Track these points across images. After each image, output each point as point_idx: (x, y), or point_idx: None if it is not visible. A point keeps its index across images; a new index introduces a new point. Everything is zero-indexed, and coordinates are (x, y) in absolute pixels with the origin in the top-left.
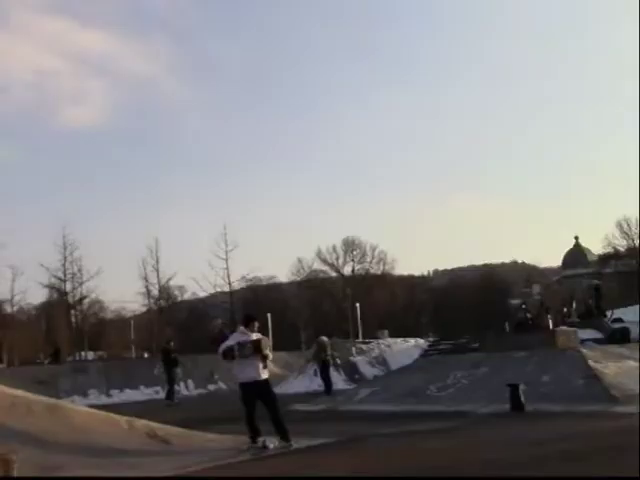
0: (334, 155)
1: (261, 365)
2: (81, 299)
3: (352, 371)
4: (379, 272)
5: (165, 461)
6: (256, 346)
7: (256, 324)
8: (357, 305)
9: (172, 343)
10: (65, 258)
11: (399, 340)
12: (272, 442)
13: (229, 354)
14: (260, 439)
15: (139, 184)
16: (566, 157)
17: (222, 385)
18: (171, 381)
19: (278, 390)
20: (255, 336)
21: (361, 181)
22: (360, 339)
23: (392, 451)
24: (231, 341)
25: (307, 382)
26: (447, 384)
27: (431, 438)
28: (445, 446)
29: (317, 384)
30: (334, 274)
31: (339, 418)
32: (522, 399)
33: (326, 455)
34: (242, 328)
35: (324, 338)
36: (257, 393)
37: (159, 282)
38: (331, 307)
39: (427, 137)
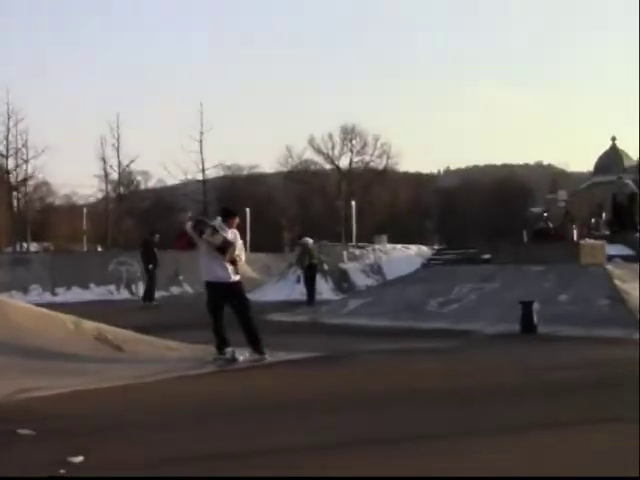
0: (334, 18)
1: (231, 266)
2: (25, 180)
3: (341, 279)
4: (380, 167)
5: (115, 369)
6: (222, 248)
7: (236, 221)
8: (353, 203)
9: (157, 236)
10: (8, 130)
11: (399, 247)
12: (242, 354)
13: (200, 228)
14: (228, 349)
15: (102, 50)
16: (606, 43)
17: (187, 288)
18: (151, 279)
19: (253, 297)
20: (231, 234)
21: (365, 54)
22: (354, 243)
23: (381, 370)
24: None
25: (288, 290)
26: (451, 299)
27: (428, 358)
28: (443, 368)
29: (299, 292)
30: (328, 166)
31: (323, 332)
32: (535, 319)
33: (303, 371)
34: (219, 220)
35: (309, 240)
36: (226, 296)
37: (119, 165)
38: (322, 205)
39: (448, 10)
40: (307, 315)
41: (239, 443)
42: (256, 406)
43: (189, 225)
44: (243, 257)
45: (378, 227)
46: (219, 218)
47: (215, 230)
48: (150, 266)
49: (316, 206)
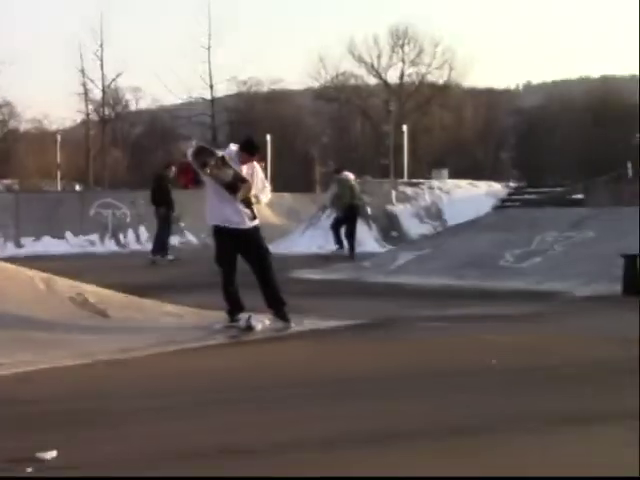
0: None
1: (246, 209)
2: None
3: (389, 226)
4: (441, 81)
5: (97, 340)
6: (232, 185)
7: (254, 159)
8: (404, 128)
9: (173, 170)
10: None
11: (464, 184)
12: (260, 321)
13: (203, 158)
14: (243, 315)
15: None
16: None
17: (191, 237)
18: (164, 226)
19: (275, 249)
20: (247, 169)
21: None
22: (405, 180)
23: (440, 343)
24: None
25: (320, 239)
26: (531, 250)
27: (501, 329)
28: (521, 341)
29: (335, 243)
30: (372, 81)
31: (364, 293)
32: None
33: (339, 343)
34: (234, 149)
35: (349, 175)
36: (240, 247)
37: (103, 79)
38: (365, 130)
39: None
40: (345, 272)
41: (249, 437)
42: (276, 390)
43: (190, 153)
44: (265, 197)
45: (437, 159)
46: (233, 147)
47: (223, 162)
48: (162, 209)
49: (356, 132)
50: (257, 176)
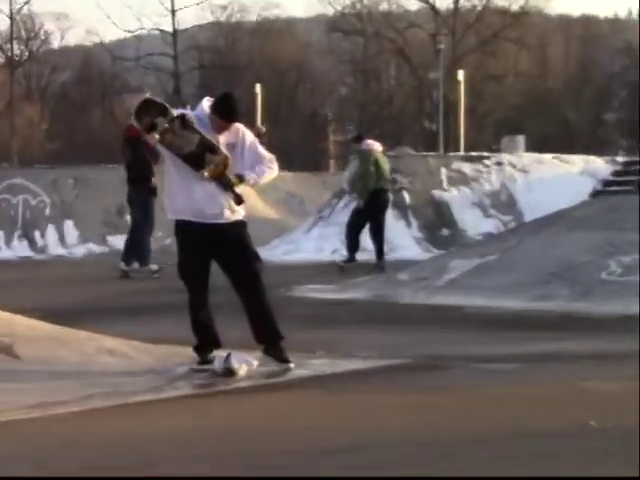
0: None
1: (227, 195)
2: None
3: (437, 221)
4: (515, 6)
5: None
6: (194, 157)
7: (235, 125)
8: (460, 76)
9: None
10: None
11: (548, 158)
12: (244, 361)
13: (150, 116)
14: (219, 354)
15: None
16: None
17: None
18: (144, 219)
19: (268, 255)
20: (225, 140)
21: None
22: (461, 153)
23: (510, 395)
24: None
25: (333, 240)
26: None
27: (600, 372)
28: (630, 392)
29: (347, 250)
30: (414, 4)
31: (399, 319)
32: None
33: (361, 396)
34: (206, 109)
35: (375, 145)
36: (216, 250)
37: (11, 1)
38: (401, 79)
39: None
40: (369, 288)
41: None
42: (266, 470)
43: (133, 110)
44: (268, 174)
45: (508, 121)
46: (205, 106)
47: (183, 124)
48: (142, 192)
49: (389, 82)
50: (247, 149)
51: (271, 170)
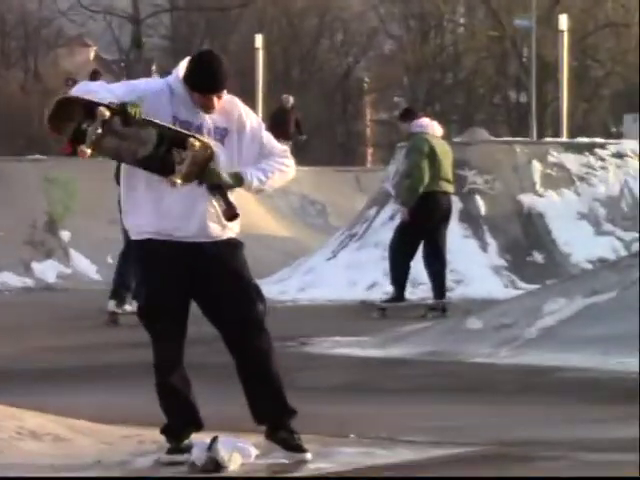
0: None
1: (220, 202)
2: None
3: (526, 241)
4: None
5: None
6: (159, 160)
7: (221, 97)
8: (563, 22)
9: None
10: None
11: None
12: (236, 450)
13: (71, 113)
14: (198, 442)
15: None
16: None
17: (80, 263)
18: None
19: (275, 287)
20: (210, 125)
21: None
22: (563, 139)
23: None
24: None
25: (369, 269)
26: None
27: None
28: None
29: (391, 283)
30: None
31: (469, 387)
32: None
33: None
34: (177, 78)
35: (432, 126)
36: (195, 281)
37: None
38: (473, 28)
39: None
40: (423, 339)
41: None
42: None
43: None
44: (278, 176)
45: (633, 95)
46: (179, 69)
47: (125, 118)
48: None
49: (455, 32)
50: (247, 138)
51: (285, 169)
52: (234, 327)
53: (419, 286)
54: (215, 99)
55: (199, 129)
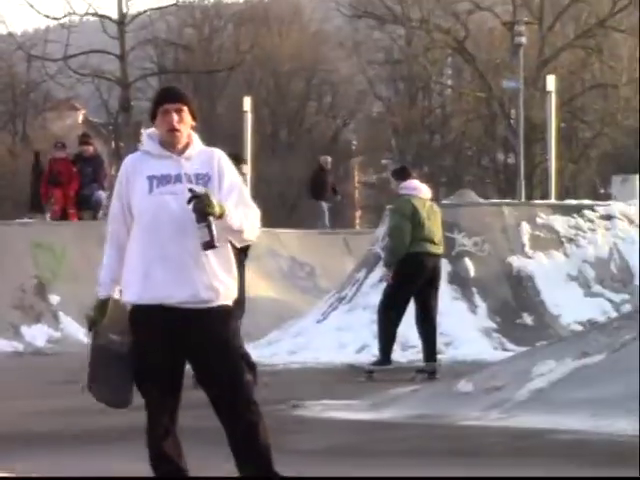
0: None
1: (205, 232)
2: None
3: (516, 303)
4: None
5: None
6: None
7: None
8: (550, 83)
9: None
10: None
11: None
12: None
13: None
14: None
15: None
16: None
17: (67, 325)
18: None
19: (264, 351)
20: (190, 171)
21: None
22: (551, 201)
23: None
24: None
25: (359, 331)
26: None
27: None
28: None
29: (379, 349)
30: None
31: (459, 451)
32: None
33: None
34: (146, 137)
35: (419, 188)
36: (189, 349)
37: None
38: (461, 89)
39: None
40: (414, 402)
41: None
42: None
43: None
44: (249, 233)
45: (620, 156)
46: (145, 134)
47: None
48: None
49: (443, 94)
50: (226, 184)
51: (257, 224)
52: (222, 399)
53: (408, 349)
54: (174, 114)
55: (178, 178)
